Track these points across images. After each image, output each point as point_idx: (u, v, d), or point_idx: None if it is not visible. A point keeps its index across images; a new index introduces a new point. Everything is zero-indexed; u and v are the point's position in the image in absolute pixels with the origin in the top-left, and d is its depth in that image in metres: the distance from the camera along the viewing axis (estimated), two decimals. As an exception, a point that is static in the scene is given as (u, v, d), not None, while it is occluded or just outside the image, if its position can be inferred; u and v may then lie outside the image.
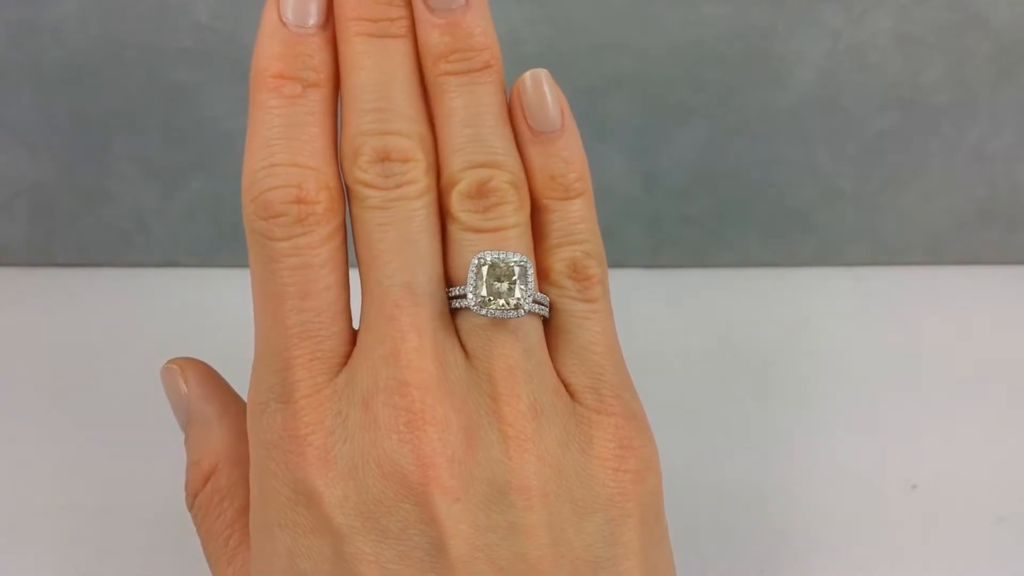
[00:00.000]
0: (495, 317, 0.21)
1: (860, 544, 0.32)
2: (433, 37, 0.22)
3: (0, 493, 0.33)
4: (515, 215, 0.22)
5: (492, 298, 0.20)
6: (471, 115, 0.22)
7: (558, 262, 0.22)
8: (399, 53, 0.22)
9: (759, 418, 0.35)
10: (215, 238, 0.39)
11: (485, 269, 0.21)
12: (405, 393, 0.20)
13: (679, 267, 0.40)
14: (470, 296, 0.21)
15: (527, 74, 0.23)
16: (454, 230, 0.21)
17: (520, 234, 0.22)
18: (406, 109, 0.21)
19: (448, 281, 0.21)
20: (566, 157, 0.22)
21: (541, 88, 0.23)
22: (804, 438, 0.35)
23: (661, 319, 0.39)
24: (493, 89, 0.22)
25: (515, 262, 0.21)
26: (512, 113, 0.23)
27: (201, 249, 0.39)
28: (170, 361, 0.25)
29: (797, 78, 0.35)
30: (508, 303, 0.21)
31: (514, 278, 0.21)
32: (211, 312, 0.37)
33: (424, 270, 0.21)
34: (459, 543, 0.19)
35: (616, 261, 0.40)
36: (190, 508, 0.24)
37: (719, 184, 0.38)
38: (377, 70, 0.21)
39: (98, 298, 0.39)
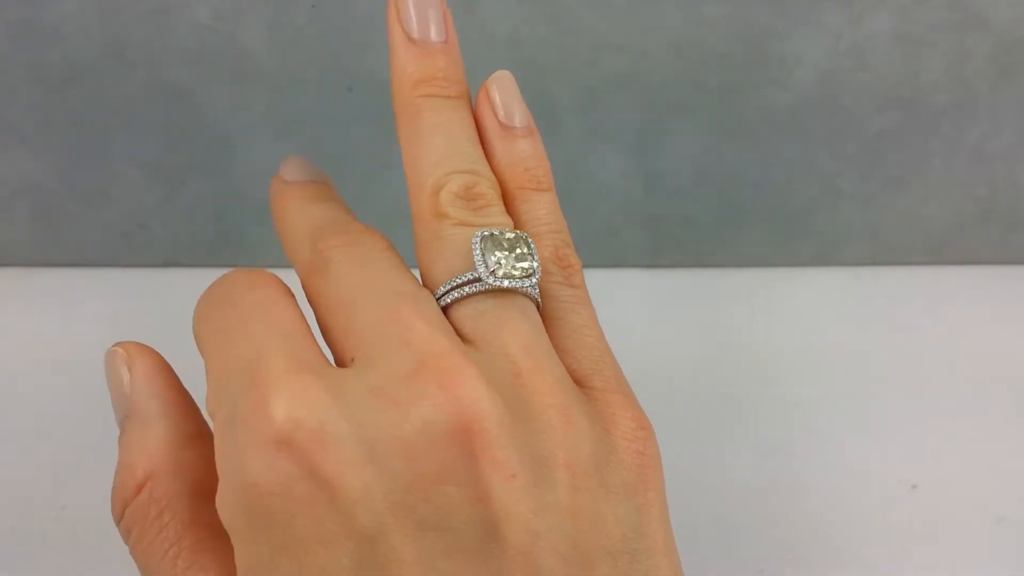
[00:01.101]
0: (510, 286, 0.20)
1: (860, 544, 0.32)
2: (411, 66, 0.23)
3: (0, 493, 0.33)
4: (502, 216, 0.22)
5: (504, 264, 0.20)
6: (447, 130, 0.22)
7: (544, 248, 0.22)
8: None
9: (759, 418, 0.35)
10: (215, 238, 0.39)
11: (489, 241, 0.20)
12: (430, 366, 0.18)
13: (679, 267, 0.40)
14: (480, 270, 0.20)
15: (495, 74, 0.23)
16: (444, 227, 0.21)
17: (508, 227, 0.22)
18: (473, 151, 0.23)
19: (437, 282, 0.21)
20: (535, 154, 0.23)
21: (511, 86, 0.23)
22: (804, 438, 0.35)
23: (661, 319, 0.39)
24: (464, 114, 0.23)
25: (515, 234, 0.21)
26: (483, 109, 0.23)
27: (201, 249, 0.39)
28: (116, 344, 0.22)
29: (797, 78, 0.35)
30: (522, 271, 0.20)
31: (518, 250, 0.20)
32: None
33: (409, 279, 0.20)
34: (516, 528, 0.17)
35: (616, 261, 0.41)
36: (118, 521, 0.20)
37: (719, 184, 0.38)
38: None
39: (98, 298, 0.39)
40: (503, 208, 0.22)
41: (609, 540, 0.18)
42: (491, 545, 0.17)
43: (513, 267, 0.20)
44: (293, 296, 0.20)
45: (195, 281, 0.39)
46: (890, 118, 0.36)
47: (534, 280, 0.20)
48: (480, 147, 0.23)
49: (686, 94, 0.36)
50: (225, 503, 0.18)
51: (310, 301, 0.21)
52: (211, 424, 0.19)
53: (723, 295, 0.39)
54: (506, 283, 0.20)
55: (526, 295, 0.21)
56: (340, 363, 0.19)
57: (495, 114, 0.23)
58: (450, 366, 0.18)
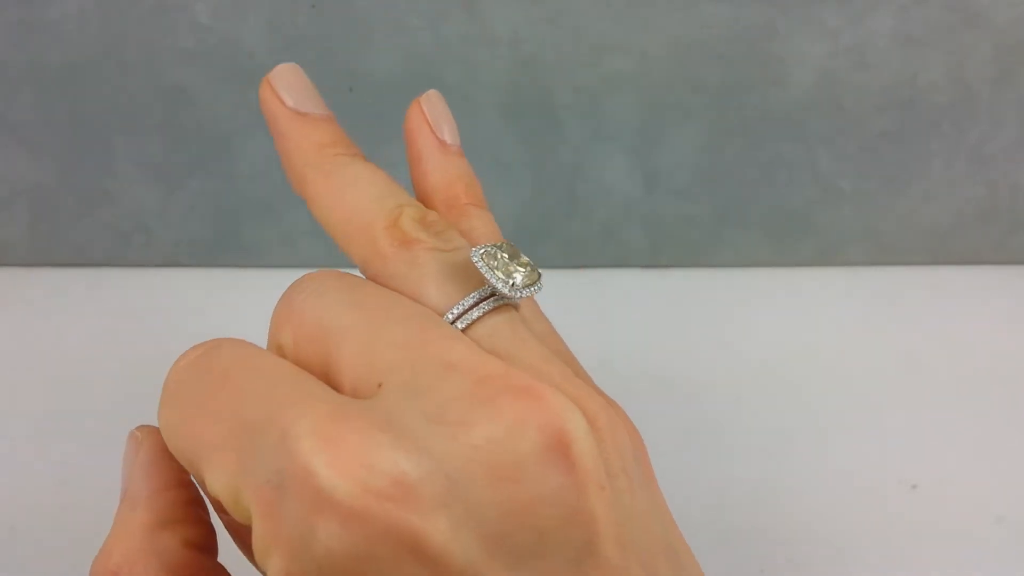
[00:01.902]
0: (529, 295, 0.19)
1: (860, 544, 0.32)
2: (313, 136, 0.22)
3: (0, 493, 0.33)
4: (461, 238, 0.21)
5: (515, 275, 0.19)
6: (373, 175, 0.21)
7: None
8: None
9: (759, 418, 0.35)
10: (215, 238, 0.39)
11: (490, 257, 0.19)
12: (489, 382, 0.16)
13: (679, 267, 0.40)
14: (499, 285, 0.19)
15: (425, 94, 0.23)
16: (418, 254, 0.20)
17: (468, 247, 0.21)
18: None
19: (436, 310, 0.19)
20: (470, 171, 0.23)
21: (443, 104, 0.23)
22: (804, 438, 0.35)
23: (661, 319, 0.39)
24: (376, 167, 0.22)
25: (506, 244, 0.20)
26: (416, 126, 0.23)
27: (201, 249, 0.39)
28: (136, 428, 0.22)
29: (797, 78, 0.35)
30: (528, 276, 0.19)
31: (517, 256, 0.20)
32: (211, 312, 0.37)
33: (412, 305, 0.19)
34: (610, 542, 0.16)
35: (616, 261, 0.41)
36: None
37: (719, 184, 0.38)
38: None
39: (98, 298, 0.39)
40: (457, 232, 0.21)
41: (659, 535, 0.18)
42: (587, 564, 0.16)
43: (525, 275, 0.19)
44: (268, 352, 0.19)
45: (195, 281, 0.39)
46: (890, 118, 0.36)
47: (541, 283, 0.20)
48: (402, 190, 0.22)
49: (686, 94, 0.36)
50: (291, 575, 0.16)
51: (292, 344, 0.19)
52: (224, 500, 0.17)
53: (723, 295, 0.39)
54: (524, 293, 0.19)
55: (515, 307, 0.20)
56: (359, 395, 0.18)
57: (432, 132, 0.23)
58: (519, 382, 0.16)
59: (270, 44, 0.34)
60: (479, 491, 0.15)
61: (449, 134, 0.23)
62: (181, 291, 0.39)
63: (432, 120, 0.23)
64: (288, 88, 0.22)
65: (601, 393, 0.20)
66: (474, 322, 0.19)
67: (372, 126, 0.36)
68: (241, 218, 0.38)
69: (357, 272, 0.20)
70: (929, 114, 0.36)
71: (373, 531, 0.15)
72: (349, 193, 0.21)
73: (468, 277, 0.20)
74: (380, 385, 0.17)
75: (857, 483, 0.33)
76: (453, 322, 0.19)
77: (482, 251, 0.19)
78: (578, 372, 0.21)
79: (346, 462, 0.15)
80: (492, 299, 0.19)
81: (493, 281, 0.19)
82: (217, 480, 0.17)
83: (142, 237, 0.39)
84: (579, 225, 0.39)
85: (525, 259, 0.20)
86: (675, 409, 0.35)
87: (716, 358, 0.37)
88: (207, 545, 0.20)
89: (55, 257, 0.40)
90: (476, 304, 0.19)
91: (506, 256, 0.20)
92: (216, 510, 0.20)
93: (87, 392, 0.35)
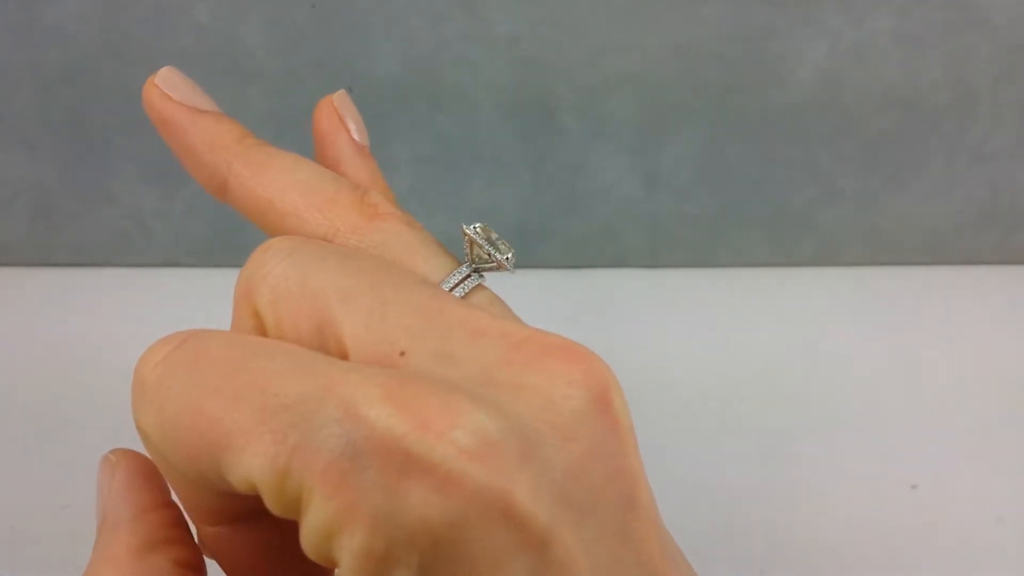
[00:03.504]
0: (514, 268, 0.20)
1: (860, 544, 0.32)
2: (222, 127, 0.22)
3: (0, 493, 0.33)
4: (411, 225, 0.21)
5: (504, 251, 0.20)
6: (304, 160, 0.21)
7: None
8: None
9: (759, 418, 0.35)
10: (215, 238, 0.39)
11: (485, 232, 0.20)
12: (526, 346, 0.16)
13: (679, 267, 0.40)
14: (498, 257, 0.19)
15: (336, 95, 0.23)
16: (395, 224, 0.20)
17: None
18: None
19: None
20: (380, 175, 0.22)
21: (351, 103, 0.23)
22: (804, 438, 0.35)
23: (661, 319, 0.39)
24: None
25: (483, 224, 0.20)
26: (331, 127, 0.22)
27: (201, 249, 0.39)
28: (109, 452, 0.21)
29: (797, 78, 0.35)
30: (512, 251, 0.20)
31: (494, 234, 0.20)
32: (211, 312, 0.37)
33: (412, 272, 0.19)
34: (645, 494, 0.16)
35: (616, 261, 0.41)
36: None
37: (719, 184, 0.38)
38: None
39: (98, 298, 0.39)
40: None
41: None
42: (629, 517, 0.16)
43: (508, 251, 0.20)
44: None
45: (195, 281, 0.39)
46: (890, 118, 0.36)
47: (513, 258, 0.20)
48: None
49: (686, 94, 0.36)
50: (374, 550, 0.15)
51: (273, 318, 0.18)
52: (264, 486, 0.16)
53: (723, 295, 0.39)
54: (513, 267, 0.20)
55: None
56: (379, 363, 0.17)
57: (347, 131, 0.22)
58: (556, 342, 0.16)
59: (270, 44, 0.34)
60: (547, 450, 0.15)
61: (359, 134, 0.22)
62: (181, 291, 0.39)
63: (351, 123, 0.22)
64: (176, 88, 0.22)
65: None
66: (469, 293, 0.19)
67: (372, 126, 0.36)
68: (241, 218, 0.38)
69: None
70: (929, 114, 0.36)
71: (467, 494, 0.14)
72: (297, 175, 0.20)
73: (447, 252, 0.20)
74: (403, 353, 0.16)
75: (857, 483, 0.33)
76: (451, 289, 0.19)
77: (474, 227, 0.20)
78: None
79: (433, 424, 0.15)
80: (476, 275, 0.19)
81: (496, 254, 0.19)
82: (253, 466, 0.15)
83: (142, 237, 0.39)
84: (579, 225, 0.39)
85: (495, 235, 0.20)
86: (675, 409, 0.35)
87: (716, 358, 0.37)
88: (197, 564, 0.19)
89: (55, 257, 0.40)
90: (467, 278, 0.19)
91: (491, 234, 0.20)
92: (204, 523, 0.19)
93: (87, 392, 0.35)
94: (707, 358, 0.37)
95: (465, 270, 0.19)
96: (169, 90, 0.22)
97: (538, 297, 0.39)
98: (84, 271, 0.40)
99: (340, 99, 0.23)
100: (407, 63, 0.35)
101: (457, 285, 0.19)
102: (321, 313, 0.17)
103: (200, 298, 0.38)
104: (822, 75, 0.35)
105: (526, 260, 0.39)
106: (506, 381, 0.16)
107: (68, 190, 0.38)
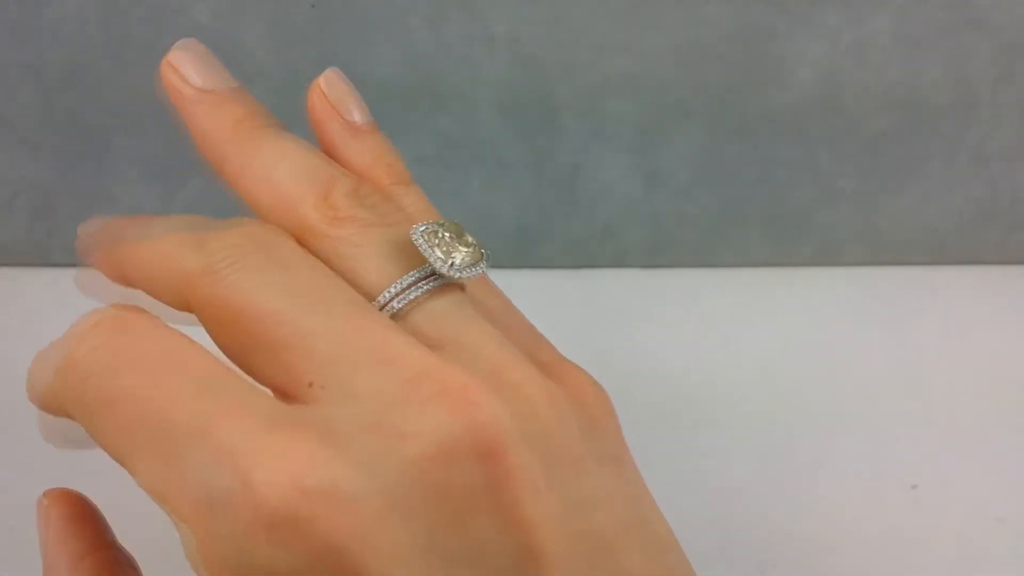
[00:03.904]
0: (469, 276, 0.18)
1: (860, 544, 0.32)
2: (220, 111, 0.21)
3: (0, 493, 0.33)
4: (400, 211, 0.20)
5: (456, 255, 0.19)
6: (296, 147, 0.20)
7: None
8: None
9: (758, 418, 0.35)
10: (215, 238, 0.39)
11: (427, 236, 0.19)
12: (428, 385, 0.16)
13: (679, 267, 0.40)
14: (438, 264, 0.18)
15: (323, 75, 0.22)
16: (353, 233, 0.19)
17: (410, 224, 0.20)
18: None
19: (369, 293, 0.19)
20: (389, 147, 0.22)
21: (343, 82, 0.22)
22: (804, 438, 0.35)
23: (661, 319, 0.39)
24: (295, 136, 0.21)
25: (447, 222, 0.19)
26: (321, 115, 0.21)
27: (201, 249, 0.39)
28: (42, 495, 0.21)
29: (797, 78, 0.35)
30: (472, 255, 0.19)
31: (460, 235, 0.19)
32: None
33: (349, 289, 0.18)
34: (551, 543, 0.16)
35: (616, 261, 0.41)
36: None
37: (719, 184, 0.38)
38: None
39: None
40: (394, 203, 0.20)
41: (623, 515, 0.18)
42: (528, 566, 0.16)
43: (466, 254, 0.19)
44: (186, 335, 0.18)
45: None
46: (890, 118, 0.36)
47: (485, 264, 0.19)
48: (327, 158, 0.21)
49: (686, 94, 0.36)
50: None
51: (204, 315, 0.18)
52: (153, 498, 0.16)
53: (723, 295, 0.39)
54: (465, 273, 0.19)
55: (460, 287, 0.19)
56: (288, 392, 0.17)
57: (340, 116, 0.21)
58: (451, 383, 0.16)
59: (270, 44, 0.34)
60: (416, 505, 0.15)
61: (358, 112, 0.22)
62: (181, 291, 0.39)
63: (337, 103, 0.22)
64: (193, 66, 0.21)
65: (558, 362, 0.20)
66: (414, 302, 0.18)
67: (372, 126, 0.36)
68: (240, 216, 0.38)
69: None
70: (929, 114, 0.36)
71: (314, 548, 0.15)
72: (277, 168, 0.20)
73: (409, 254, 0.19)
74: (311, 384, 0.16)
75: (857, 483, 0.33)
76: (390, 301, 0.18)
77: (423, 228, 0.19)
78: (536, 344, 0.20)
79: (287, 481, 0.15)
80: (434, 278, 0.19)
81: (432, 260, 0.18)
82: (144, 482, 0.16)
83: (142, 237, 0.39)
84: (579, 225, 0.39)
85: (469, 239, 0.19)
86: (675, 409, 0.35)
87: (716, 358, 0.37)
88: None
89: (55, 257, 0.40)
90: (416, 283, 0.18)
91: (447, 235, 0.19)
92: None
93: (87, 392, 0.35)
94: (707, 358, 0.37)
95: (412, 277, 0.19)
96: (186, 69, 0.21)
97: (538, 297, 0.39)
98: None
99: (329, 80, 0.22)
100: (407, 63, 0.35)
101: (398, 295, 0.18)
102: (250, 338, 0.17)
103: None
104: (822, 75, 0.35)
105: (526, 260, 0.39)
106: (392, 425, 0.16)
107: (68, 190, 0.38)
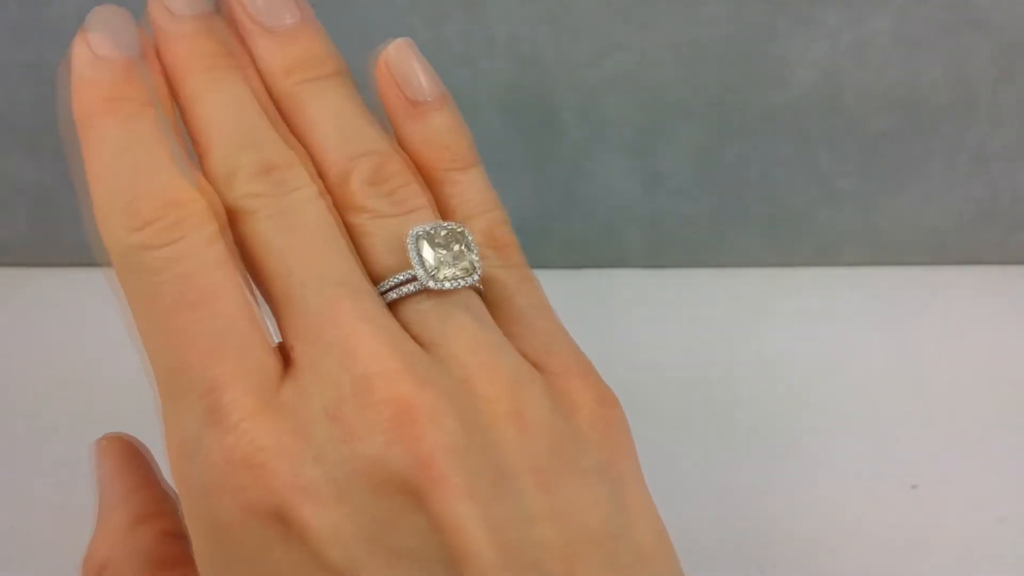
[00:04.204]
0: (451, 288, 0.19)
1: (860, 544, 0.32)
2: (277, 56, 0.21)
3: (0, 493, 0.33)
4: (422, 195, 0.20)
5: (444, 267, 0.19)
6: (339, 113, 0.20)
7: (476, 233, 0.21)
8: (240, 80, 0.21)
9: (758, 418, 0.35)
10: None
11: (425, 241, 0.19)
12: (379, 389, 0.17)
13: (679, 267, 0.40)
14: (419, 272, 0.19)
15: (390, 46, 0.21)
16: (364, 221, 0.20)
17: (433, 213, 0.20)
18: (269, 128, 0.20)
19: (374, 277, 0.19)
20: (452, 127, 0.21)
21: (412, 56, 0.21)
22: (804, 438, 0.35)
23: (661, 319, 0.39)
24: (350, 92, 0.21)
25: (450, 229, 0.19)
26: (385, 88, 0.21)
27: (201, 249, 0.39)
28: (100, 438, 0.23)
29: (797, 78, 0.35)
30: (462, 270, 0.19)
31: (456, 245, 0.19)
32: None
33: (348, 265, 0.19)
34: (479, 546, 0.17)
35: (616, 261, 0.41)
36: None
37: (719, 184, 0.38)
38: (228, 96, 0.20)
39: (98, 298, 0.39)
40: (420, 187, 0.20)
41: (592, 527, 0.18)
42: (457, 566, 0.17)
43: (453, 266, 0.19)
44: (232, 252, 0.19)
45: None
46: (890, 118, 0.36)
47: (475, 277, 0.19)
48: (377, 125, 0.21)
49: (686, 94, 0.36)
50: (196, 534, 0.18)
51: (235, 241, 0.19)
52: (161, 417, 0.18)
53: (723, 295, 0.39)
54: (448, 284, 0.19)
55: (470, 287, 0.20)
56: (283, 339, 0.19)
57: (399, 90, 0.21)
58: (400, 394, 0.17)
59: (270, 44, 0.34)
60: (361, 497, 0.17)
61: (419, 89, 0.21)
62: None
63: (399, 77, 0.21)
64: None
65: (565, 373, 0.20)
66: (406, 299, 0.19)
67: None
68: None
69: None
70: (929, 114, 0.36)
71: (266, 516, 0.17)
72: (312, 132, 0.20)
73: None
74: (293, 348, 0.18)
75: (857, 483, 0.33)
76: (387, 291, 0.19)
77: (419, 232, 0.19)
78: (550, 350, 0.20)
79: (254, 457, 0.17)
80: (419, 282, 0.19)
81: (415, 266, 0.19)
82: (157, 384, 0.19)
83: (142, 237, 0.39)
84: (579, 225, 0.39)
85: (465, 249, 0.19)
86: (675, 409, 0.35)
87: (716, 358, 0.37)
88: (182, 534, 0.20)
89: (55, 257, 0.40)
90: (405, 283, 0.19)
91: (449, 240, 0.19)
92: None
93: (87, 392, 0.35)
94: (707, 358, 0.37)
95: (402, 276, 0.19)
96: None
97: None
98: (84, 271, 0.40)
99: (394, 51, 0.21)
100: (407, 63, 0.35)
101: (393, 289, 0.19)
102: (254, 273, 0.19)
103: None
104: (822, 75, 0.35)
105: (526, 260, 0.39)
106: (346, 420, 0.17)
107: (68, 190, 0.38)
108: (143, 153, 0.19)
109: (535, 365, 0.20)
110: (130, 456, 0.23)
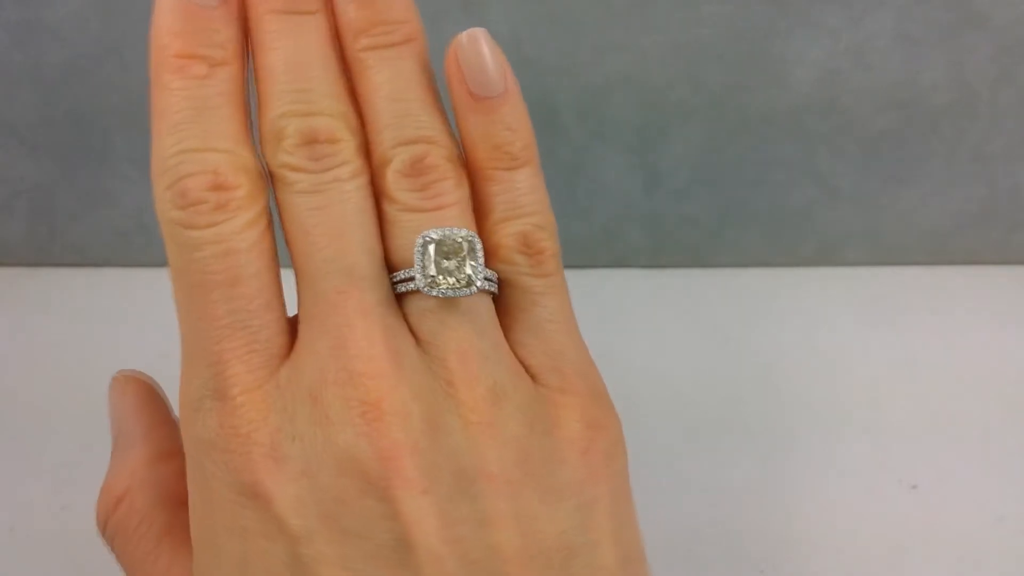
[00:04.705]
0: (446, 296, 0.20)
1: (860, 544, 0.32)
2: (350, 12, 0.20)
3: (0, 493, 0.33)
4: (455, 191, 0.20)
5: (442, 277, 0.19)
6: (396, 89, 0.20)
7: (507, 237, 0.21)
8: (314, 30, 0.20)
9: (759, 418, 0.35)
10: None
11: (432, 247, 0.19)
12: (358, 383, 0.19)
13: (679, 267, 0.40)
14: (418, 277, 0.19)
15: (463, 34, 0.21)
16: (392, 211, 0.20)
17: (462, 211, 0.20)
18: (328, 88, 0.20)
19: (391, 266, 0.20)
20: (510, 123, 0.21)
21: (481, 48, 0.21)
22: (804, 438, 0.35)
23: (661, 319, 0.39)
24: (417, 63, 0.21)
25: (463, 237, 0.20)
26: (450, 78, 0.21)
27: (201, 249, 0.39)
28: (117, 374, 0.24)
29: (797, 78, 0.35)
30: (459, 281, 0.19)
31: (463, 254, 0.20)
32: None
33: (364, 254, 0.20)
34: (427, 538, 0.18)
35: (616, 261, 0.41)
36: (102, 532, 0.23)
37: (719, 184, 0.38)
38: (293, 48, 0.20)
39: (98, 298, 0.39)
40: (456, 182, 0.20)
41: (547, 539, 0.19)
42: (404, 552, 0.18)
43: (452, 275, 0.20)
44: (269, 230, 0.20)
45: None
46: (890, 118, 0.36)
47: (472, 289, 0.20)
48: (434, 106, 0.21)
49: (686, 94, 0.36)
50: (190, 479, 0.20)
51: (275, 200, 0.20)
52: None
53: (723, 295, 0.39)
54: (445, 293, 0.20)
55: (484, 291, 0.20)
56: (298, 308, 0.20)
57: (463, 83, 0.21)
58: (377, 397, 0.19)
59: (270, 44, 0.34)
60: (324, 476, 0.18)
61: (481, 83, 0.21)
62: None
63: (465, 68, 0.21)
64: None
65: (560, 390, 0.20)
66: (411, 294, 0.20)
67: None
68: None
69: None
70: (929, 114, 0.36)
71: (243, 479, 0.19)
72: (367, 110, 0.21)
73: None
74: (300, 322, 0.20)
75: (857, 483, 0.33)
76: (396, 283, 0.20)
77: (428, 237, 0.20)
78: (555, 366, 0.21)
79: (243, 428, 0.19)
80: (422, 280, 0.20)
81: (416, 270, 0.20)
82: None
83: (142, 237, 0.39)
84: (579, 225, 0.39)
85: (470, 260, 0.20)
86: (675, 409, 0.35)
87: (716, 358, 0.37)
88: None
89: (55, 257, 0.40)
90: (409, 279, 0.20)
91: (449, 248, 0.20)
92: None
93: (87, 392, 0.35)
94: (707, 358, 0.37)
95: (405, 274, 0.20)
96: None
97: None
98: (84, 271, 0.40)
99: (465, 40, 0.21)
100: (407, 63, 0.35)
101: (401, 283, 0.20)
102: (292, 253, 0.20)
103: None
104: (822, 75, 0.35)
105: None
106: (326, 405, 0.19)
107: (68, 190, 0.38)
108: (200, 127, 0.19)
109: (535, 377, 0.21)
110: (149, 394, 0.24)
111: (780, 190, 0.38)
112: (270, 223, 0.20)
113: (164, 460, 0.23)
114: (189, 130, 0.19)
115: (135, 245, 0.39)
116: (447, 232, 0.20)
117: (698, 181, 0.38)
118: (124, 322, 0.38)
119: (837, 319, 0.39)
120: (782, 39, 0.34)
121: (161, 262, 0.40)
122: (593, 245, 0.40)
